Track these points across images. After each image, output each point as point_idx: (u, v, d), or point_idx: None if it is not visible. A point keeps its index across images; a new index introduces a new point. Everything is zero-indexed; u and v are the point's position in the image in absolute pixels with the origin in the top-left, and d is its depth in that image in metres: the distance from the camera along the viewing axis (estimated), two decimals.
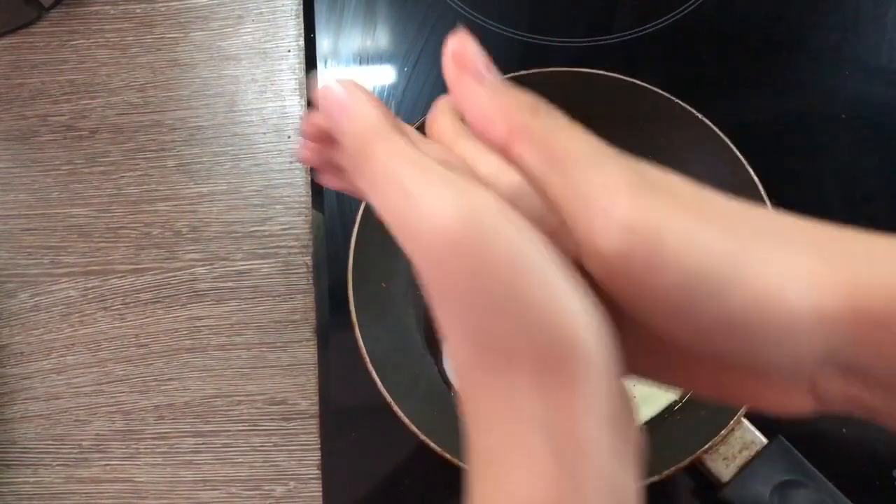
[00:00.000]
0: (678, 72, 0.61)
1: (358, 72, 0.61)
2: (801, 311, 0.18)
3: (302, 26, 0.63)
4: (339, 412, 0.54)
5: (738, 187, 0.48)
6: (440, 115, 0.27)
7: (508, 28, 0.61)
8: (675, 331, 0.20)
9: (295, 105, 0.62)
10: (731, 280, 0.19)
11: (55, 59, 0.64)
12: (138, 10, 0.65)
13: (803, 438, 0.48)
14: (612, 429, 0.20)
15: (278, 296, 0.57)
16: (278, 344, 0.56)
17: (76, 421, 0.56)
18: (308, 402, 0.55)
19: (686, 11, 0.61)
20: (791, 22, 0.62)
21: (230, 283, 0.58)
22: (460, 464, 0.46)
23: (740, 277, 0.19)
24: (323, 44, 0.62)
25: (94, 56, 0.64)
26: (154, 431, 0.55)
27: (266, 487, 0.54)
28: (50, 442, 0.56)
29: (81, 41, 0.64)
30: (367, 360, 0.48)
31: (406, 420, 0.47)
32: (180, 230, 0.59)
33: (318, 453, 0.54)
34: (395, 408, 0.47)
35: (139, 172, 0.60)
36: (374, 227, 0.52)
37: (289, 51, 0.63)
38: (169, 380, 0.56)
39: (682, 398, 0.51)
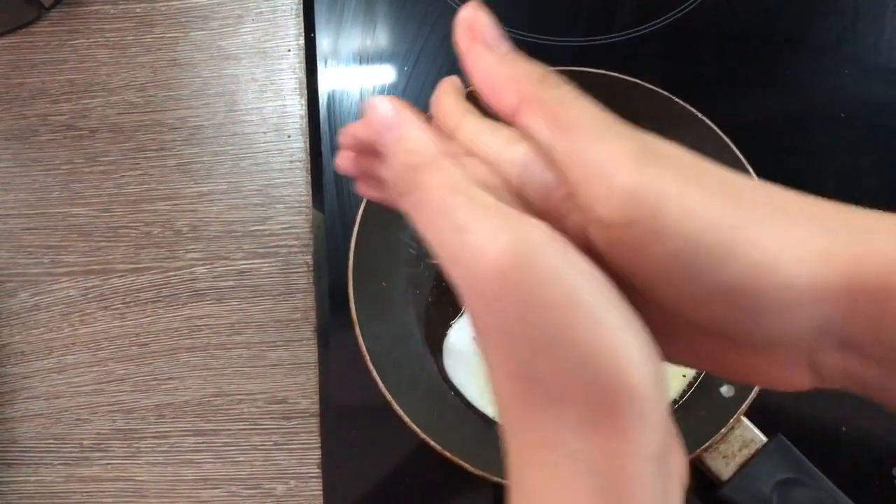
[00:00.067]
0: (678, 71, 0.61)
1: (358, 71, 0.61)
2: (799, 282, 0.18)
3: (302, 26, 0.63)
4: (339, 411, 0.54)
5: None
6: (444, 95, 0.27)
7: (508, 27, 0.61)
8: (674, 299, 0.20)
9: (295, 104, 0.62)
10: (730, 249, 0.19)
11: (55, 58, 0.64)
12: (138, 10, 0.65)
13: (803, 437, 0.48)
14: (659, 471, 0.20)
15: (278, 295, 0.57)
16: (279, 343, 0.56)
17: (77, 420, 0.56)
18: (308, 400, 0.55)
19: (686, 11, 0.62)
20: (791, 21, 0.62)
21: (230, 283, 0.58)
22: (460, 462, 0.46)
23: (739, 247, 0.19)
24: (323, 43, 0.62)
25: (95, 55, 0.64)
26: (155, 430, 0.55)
27: (266, 486, 0.54)
28: (51, 441, 0.56)
29: (81, 41, 0.64)
30: (368, 358, 0.48)
31: (406, 418, 0.47)
32: (180, 229, 0.59)
33: (319, 452, 0.54)
34: (396, 406, 0.47)
35: (139, 172, 0.61)
36: (375, 227, 0.52)
37: (289, 50, 0.63)
38: (169, 379, 0.56)
39: (682, 397, 0.51)
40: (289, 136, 0.61)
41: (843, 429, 0.51)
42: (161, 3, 0.65)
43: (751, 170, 0.49)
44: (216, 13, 0.64)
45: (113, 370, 0.57)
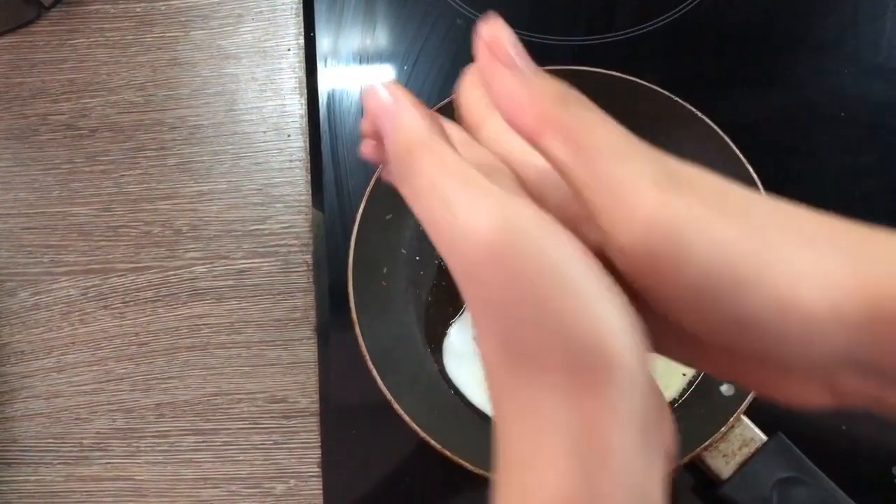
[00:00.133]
0: (678, 70, 0.61)
1: (358, 71, 0.61)
2: (821, 312, 0.18)
3: (302, 25, 0.63)
4: (339, 410, 0.54)
5: None
6: (469, 89, 0.27)
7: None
8: (693, 325, 0.20)
9: (295, 104, 0.62)
10: (752, 280, 0.19)
11: (55, 58, 0.64)
12: (138, 9, 0.65)
13: (803, 436, 0.48)
14: (640, 437, 0.20)
15: (278, 294, 0.57)
16: (278, 342, 0.56)
17: (77, 419, 0.56)
18: (308, 399, 0.55)
19: (685, 10, 0.62)
20: (790, 21, 0.62)
21: (230, 282, 0.58)
22: (460, 461, 0.46)
23: (761, 278, 0.19)
24: (323, 42, 0.62)
25: (94, 55, 0.64)
26: (154, 430, 0.55)
27: (266, 485, 0.54)
28: (50, 440, 0.56)
29: (81, 40, 0.64)
30: (368, 357, 0.48)
31: (406, 417, 0.47)
32: (180, 229, 0.59)
33: (319, 451, 0.54)
34: (396, 405, 0.47)
35: (139, 171, 0.61)
36: (375, 226, 0.52)
37: (289, 49, 0.63)
38: (169, 378, 0.56)
39: (681, 395, 0.51)
40: (289, 136, 0.61)
41: (843, 427, 0.51)
42: (161, 3, 0.65)
43: (751, 169, 0.49)
44: (216, 12, 0.64)
45: (113, 369, 0.57)
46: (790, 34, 0.61)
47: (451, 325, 0.54)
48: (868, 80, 0.59)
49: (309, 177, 0.59)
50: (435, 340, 0.54)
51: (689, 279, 0.19)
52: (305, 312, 0.57)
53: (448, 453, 0.46)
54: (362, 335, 0.49)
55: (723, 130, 0.50)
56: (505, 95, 0.22)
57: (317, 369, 0.55)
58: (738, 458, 0.47)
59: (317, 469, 0.54)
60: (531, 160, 0.24)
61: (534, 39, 0.61)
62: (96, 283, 0.58)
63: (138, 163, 0.61)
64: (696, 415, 0.49)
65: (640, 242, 0.19)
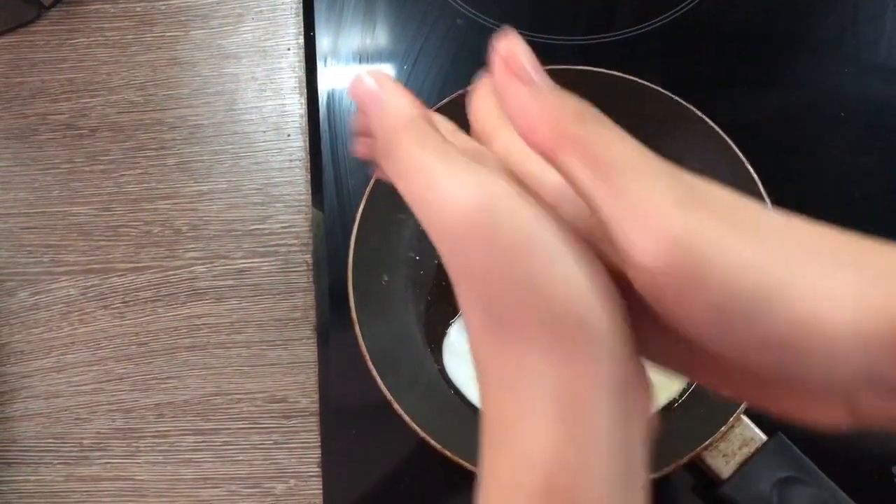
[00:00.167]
0: (678, 70, 0.61)
1: (358, 70, 0.61)
2: (844, 332, 0.18)
3: (302, 24, 0.63)
4: (339, 410, 0.54)
5: (738, 185, 0.48)
6: (481, 100, 0.28)
7: (508, 26, 0.61)
8: (714, 344, 0.20)
9: (295, 103, 0.62)
10: (775, 299, 0.19)
11: (55, 57, 0.64)
12: (138, 9, 0.65)
13: (803, 435, 0.48)
14: (620, 400, 0.21)
15: (278, 294, 0.57)
16: (278, 342, 0.56)
17: (76, 419, 0.56)
18: (308, 399, 0.55)
19: (685, 9, 0.62)
20: (790, 20, 0.62)
21: (230, 282, 0.58)
22: (460, 461, 0.46)
23: (784, 299, 0.19)
24: (323, 42, 0.62)
25: (94, 54, 0.64)
26: (154, 429, 0.55)
27: (266, 485, 0.54)
28: (50, 440, 0.56)
29: (81, 39, 0.64)
30: (367, 357, 0.48)
31: (406, 417, 0.47)
32: (180, 228, 0.59)
33: (319, 451, 0.54)
34: (396, 405, 0.47)
35: (139, 171, 0.61)
36: (374, 226, 0.52)
37: (289, 49, 0.63)
38: (169, 378, 0.56)
39: (681, 395, 0.51)
40: (288, 135, 0.61)
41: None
42: (161, 2, 0.65)
43: (751, 170, 0.49)
44: (216, 12, 0.64)
45: (112, 369, 0.57)
46: (790, 34, 0.61)
47: (451, 324, 0.54)
48: (868, 80, 0.59)
49: (309, 176, 0.59)
50: (435, 340, 0.54)
51: (711, 298, 0.19)
52: (305, 312, 0.57)
53: (448, 453, 0.46)
54: (362, 335, 0.49)
55: (723, 130, 0.50)
56: (521, 111, 0.22)
57: (317, 369, 0.55)
58: (738, 458, 0.47)
59: (317, 469, 0.54)
60: (545, 175, 0.24)
61: (534, 39, 0.61)
62: (96, 282, 0.58)
63: (138, 162, 0.61)
64: (696, 414, 0.49)
65: (661, 261, 0.19)
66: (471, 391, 0.52)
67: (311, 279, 0.57)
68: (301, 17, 0.63)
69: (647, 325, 0.22)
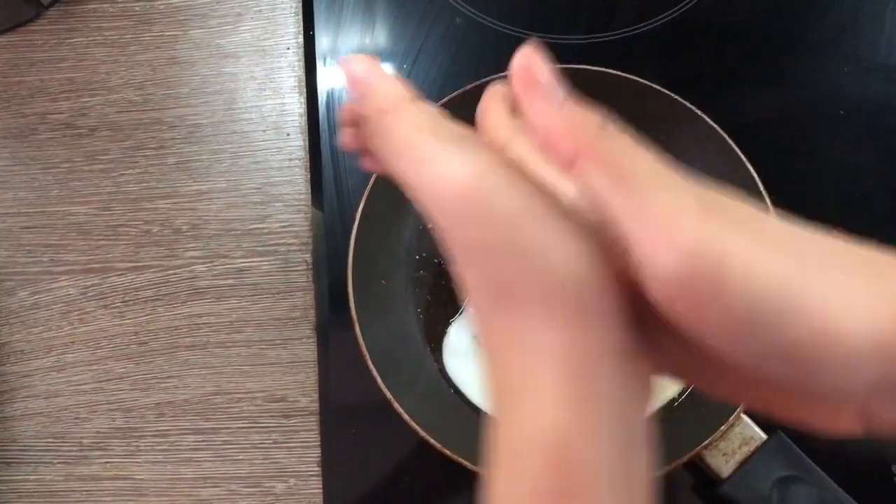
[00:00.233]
0: (677, 69, 0.61)
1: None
2: (861, 341, 0.18)
3: (301, 24, 0.63)
4: (339, 409, 0.54)
5: (738, 184, 0.48)
6: (491, 106, 0.28)
7: (507, 25, 0.61)
8: (728, 354, 0.20)
9: (294, 102, 0.62)
10: (793, 311, 0.19)
11: (54, 56, 0.64)
12: (137, 8, 0.64)
13: (803, 434, 0.48)
14: (617, 362, 0.21)
15: (278, 293, 0.57)
16: (278, 341, 0.56)
17: (76, 419, 0.56)
18: (308, 399, 0.55)
19: (684, 9, 0.62)
20: (789, 19, 0.62)
21: (230, 281, 0.58)
22: (460, 460, 0.46)
23: (801, 308, 0.19)
24: (322, 41, 0.62)
25: (93, 54, 0.64)
26: (154, 429, 0.55)
27: (266, 484, 0.54)
28: (50, 440, 0.56)
29: (80, 39, 0.64)
30: (367, 357, 0.48)
31: (406, 417, 0.47)
32: (180, 228, 0.59)
33: (319, 450, 0.54)
34: (395, 405, 0.47)
35: (138, 170, 0.60)
36: (374, 225, 0.52)
37: (288, 48, 0.63)
38: (169, 377, 0.56)
39: (681, 394, 0.51)
40: (288, 135, 0.61)
41: None
42: (159, 2, 0.65)
43: (751, 169, 0.49)
44: (215, 11, 0.64)
45: (112, 369, 0.57)
46: (790, 33, 0.61)
47: (450, 324, 0.54)
48: (868, 79, 0.59)
49: (308, 176, 0.59)
50: (435, 339, 0.54)
51: (730, 308, 0.19)
52: (305, 311, 0.57)
53: (448, 452, 0.46)
54: (362, 334, 0.49)
55: (722, 128, 0.50)
56: (541, 123, 0.23)
57: (316, 368, 0.55)
58: (738, 457, 0.47)
59: (316, 468, 0.54)
60: (559, 186, 0.24)
61: (533, 38, 0.61)
62: (96, 282, 0.58)
63: (137, 162, 0.61)
64: (696, 413, 0.49)
65: (681, 271, 0.19)
66: (471, 390, 0.52)
67: (310, 278, 0.57)
68: (300, 17, 0.63)
69: (659, 337, 0.22)
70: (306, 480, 0.54)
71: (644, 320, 0.22)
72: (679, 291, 0.20)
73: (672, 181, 0.21)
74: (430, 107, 0.25)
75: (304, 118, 0.61)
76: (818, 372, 0.19)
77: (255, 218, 0.59)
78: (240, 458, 0.55)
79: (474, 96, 0.31)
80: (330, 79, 0.61)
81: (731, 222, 0.20)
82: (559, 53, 0.60)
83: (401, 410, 0.47)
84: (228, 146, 0.61)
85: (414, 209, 0.57)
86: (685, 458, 0.46)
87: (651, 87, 0.51)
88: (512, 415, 0.22)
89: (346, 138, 0.30)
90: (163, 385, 0.56)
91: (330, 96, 0.60)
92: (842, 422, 0.21)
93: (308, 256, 0.58)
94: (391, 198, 0.53)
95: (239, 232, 0.59)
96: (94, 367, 0.57)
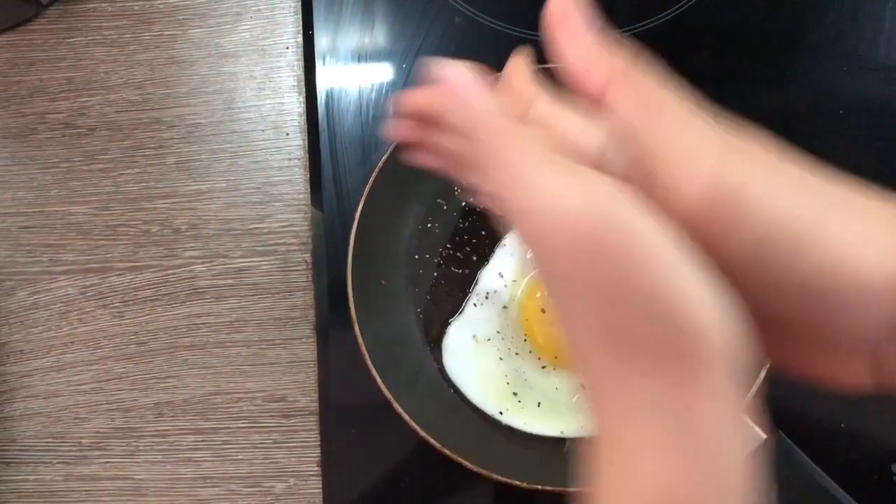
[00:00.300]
0: (676, 68, 0.61)
1: (356, 69, 0.61)
2: (875, 279, 0.19)
3: (300, 23, 0.63)
4: (338, 409, 0.54)
5: None
6: (516, 71, 0.28)
7: (507, 24, 0.61)
8: (748, 286, 0.20)
9: (293, 102, 0.61)
10: (810, 240, 0.19)
11: (53, 56, 0.64)
12: (136, 8, 0.64)
13: (802, 434, 0.48)
14: (734, 420, 0.20)
15: (277, 293, 0.57)
16: (278, 341, 0.56)
17: (76, 419, 0.56)
18: (308, 398, 0.55)
19: (683, 8, 0.61)
20: (789, 18, 0.61)
21: (229, 281, 0.58)
22: (460, 460, 0.46)
23: (818, 238, 0.19)
24: (321, 41, 0.62)
25: (92, 53, 0.63)
26: (154, 429, 0.55)
27: (266, 484, 0.54)
28: (49, 440, 0.56)
29: (79, 38, 0.64)
30: (367, 357, 0.48)
31: (406, 417, 0.47)
32: (179, 228, 0.59)
33: (318, 450, 0.54)
34: (395, 405, 0.47)
35: (138, 170, 0.60)
36: (373, 225, 0.52)
37: (287, 48, 0.63)
38: (168, 377, 0.56)
39: None
40: (287, 134, 0.61)
41: (843, 426, 0.51)
42: (159, 1, 0.64)
43: None
44: (214, 10, 0.64)
45: (112, 369, 0.57)
46: (789, 32, 0.61)
47: (450, 323, 0.54)
48: (867, 79, 0.59)
49: (308, 175, 0.59)
50: (434, 339, 0.54)
51: (750, 235, 0.19)
52: (304, 311, 0.57)
53: (447, 452, 0.46)
54: (361, 334, 0.49)
55: None
56: (574, 57, 0.23)
57: (316, 368, 0.55)
58: None
59: (316, 468, 0.54)
60: (587, 138, 0.24)
61: (532, 37, 0.61)
62: (95, 282, 0.58)
63: (137, 161, 0.61)
64: None
65: (705, 198, 0.20)
66: (470, 390, 0.52)
67: (310, 278, 0.57)
68: (300, 16, 0.63)
69: None
70: (306, 480, 0.54)
71: None
72: (700, 217, 0.20)
73: (698, 116, 0.21)
74: (535, 129, 0.23)
75: (304, 118, 0.60)
76: (832, 308, 0.19)
77: (255, 218, 0.59)
78: (239, 457, 0.55)
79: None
80: (329, 78, 0.61)
81: (752, 158, 0.20)
82: None
83: (400, 410, 0.47)
84: (228, 146, 0.61)
85: (414, 209, 0.57)
86: None
87: None
88: (623, 466, 0.21)
89: (399, 130, 0.29)
90: (162, 385, 0.56)
91: (329, 96, 0.60)
92: (854, 375, 0.21)
93: (307, 256, 0.58)
94: (391, 197, 0.53)
95: (238, 232, 0.59)
96: (94, 367, 0.57)
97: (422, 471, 0.52)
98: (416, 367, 0.52)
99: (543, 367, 0.52)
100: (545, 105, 0.25)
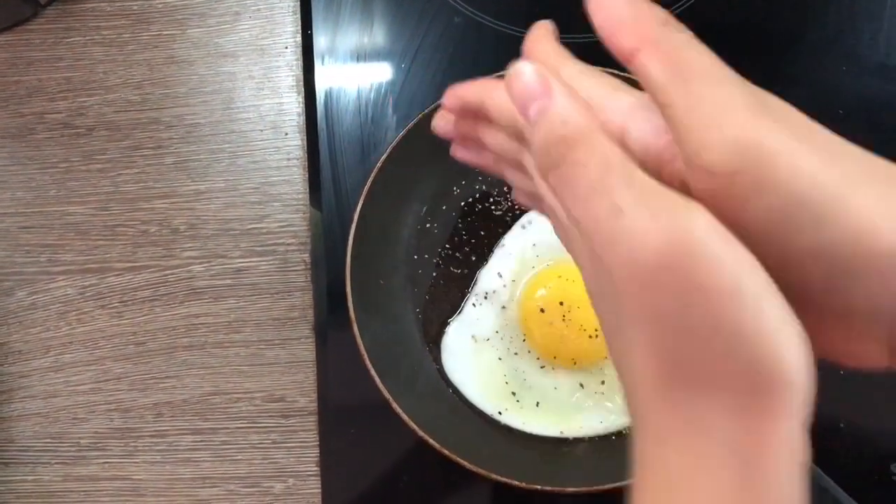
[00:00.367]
0: None
1: (355, 69, 0.61)
2: (892, 252, 0.19)
3: (299, 23, 0.63)
4: (337, 409, 0.54)
5: None
6: (539, 41, 0.27)
7: (506, 24, 0.61)
8: (770, 256, 0.20)
9: (292, 102, 0.61)
10: (832, 210, 0.19)
11: (52, 56, 0.63)
12: (135, 7, 0.64)
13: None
14: (798, 457, 0.20)
15: (276, 293, 0.57)
16: (276, 341, 0.56)
17: (74, 419, 0.56)
18: (307, 399, 0.55)
19: (683, 8, 0.61)
20: (787, 18, 0.61)
21: (228, 281, 0.58)
22: (459, 460, 0.46)
23: (841, 209, 0.19)
24: (320, 40, 0.62)
25: (91, 53, 0.63)
26: (152, 429, 0.55)
27: (265, 484, 0.54)
28: (48, 440, 0.56)
29: (78, 38, 0.64)
30: (366, 357, 0.48)
31: (405, 417, 0.47)
32: (178, 228, 0.59)
33: (317, 450, 0.54)
34: (394, 405, 0.47)
35: (136, 170, 0.60)
36: (372, 225, 0.52)
37: (286, 47, 0.63)
38: (167, 377, 0.56)
39: None
40: (286, 134, 0.61)
41: (842, 425, 0.51)
42: (157, 1, 0.64)
43: None
44: (213, 10, 0.64)
45: (110, 369, 0.57)
46: (788, 32, 0.61)
47: (449, 323, 0.54)
48: (867, 78, 0.59)
49: (306, 175, 0.59)
50: (433, 339, 0.54)
51: (773, 201, 0.19)
52: (303, 311, 0.57)
53: (447, 452, 0.46)
54: (360, 334, 0.49)
55: None
56: (607, 15, 0.23)
57: (315, 368, 0.55)
58: None
59: (315, 468, 0.54)
60: (611, 103, 0.24)
61: None
62: (93, 282, 0.58)
63: (135, 161, 0.61)
64: None
65: (728, 161, 0.19)
66: (469, 390, 0.52)
67: (309, 278, 0.57)
68: (298, 16, 0.63)
69: None
70: (305, 480, 0.54)
71: None
72: (723, 183, 0.20)
73: (727, 78, 0.21)
74: (616, 147, 0.22)
75: (303, 117, 0.60)
76: (852, 280, 0.19)
77: (254, 218, 0.59)
78: (238, 458, 0.54)
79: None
80: (328, 78, 0.61)
81: (780, 123, 0.20)
82: None
83: (399, 410, 0.47)
84: (226, 146, 0.61)
85: (413, 209, 0.57)
86: None
87: None
88: (675, 497, 0.21)
89: (444, 124, 0.29)
90: (161, 385, 0.56)
91: (328, 95, 0.60)
92: (871, 354, 0.21)
93: (306, 256, 0.58)
94: (390, 197, 0.53)
95: (237, 232, 0.58)
96: (92, 368, 0.57)
97: (421, 471, 0.52)
98: (415, 367, 0.52)
99: (542, 367, 0.52)
100: (570, 74, 0.25)
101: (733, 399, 0.19)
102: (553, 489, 0.46)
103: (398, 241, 0.55)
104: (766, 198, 0.19)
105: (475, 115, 0.28)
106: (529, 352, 0.52)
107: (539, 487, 0.45)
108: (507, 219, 0.55)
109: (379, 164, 0.51)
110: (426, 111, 0.52)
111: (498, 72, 0.30)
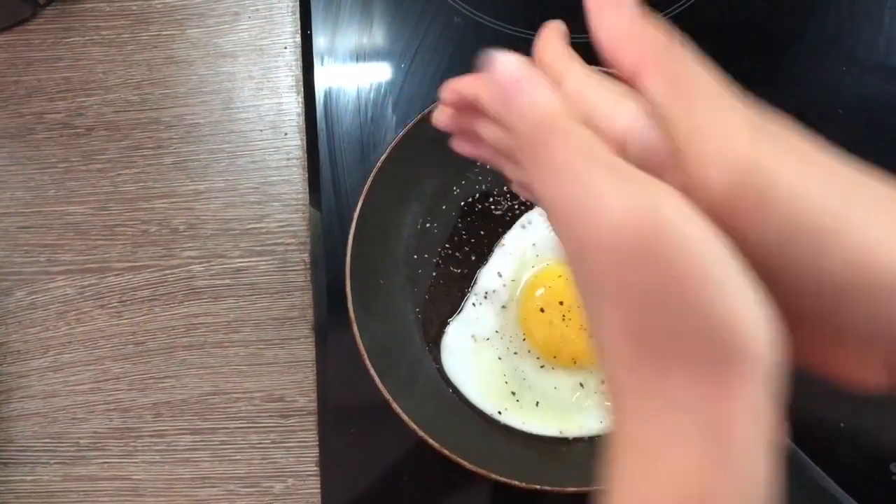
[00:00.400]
0: None
1: (354, 69, 0.61)
2: (892, 276, 0.19)
3: (298, 23, 0.63)
4: (337, 409, 0.54)
5: None
6: (550, 42, 0.27)
7: (506, 24, 0.61)
8: (767, 279, 0.20)
9: (292, 102, 0.61)
10: (832, 237, 0.19)
11: (51, 56, 0.63)
12: (134, 7, 0.64)
13: (801, 433, 0.48)
14: (765, 432, 0.20)
15: (276, 293, 0.57)
16: (276, 341, 0.56)
17: (73, 419, 0.56)
18: (306, 398, 0.55)
19: (683, 8, 0.61)
20: (787, 17, 0.61)
21: (227, 281, 0.58)
22: (459, 460, 0.46)
23: (841, 236, 0.19)
24: (319, 41, 0.62)
25: (90, 53, 0.63)
26: (152, 429, 0.55)
27: (264, 484, 0.54)
28: (47, 440, 0.56)
29: (77, 38, 0.64)
30: (365, 357, 0.48)
31: (404, 417, 0.47)
32: (177, 227, 0.59)
33: (317, 450, 0.54)
34: (394, 405, 0.47)
35: (136, 170, 0.60)
36: (372, 225, 0.52)
37: (285, 47, 0.63)
38: (166, 377, 0.56)
39: None
40: (285, 134, 0.61)
41: (842, 425, 0.51)
42: (157, 1, 0.64)
43: None
44: (212, 10, 0.64)
45: (109, 369, 0.56)
46: (788, 32, 0.61)
47: (449, 323, 0.54)
48: (866, 78, 0.59)
49: (306, 175, 0.59)
50: (433, 339, 0.53)
51: (773, 224, 0.19)
52: (303, 311, 0.57)
53: (446, 452, 0.46)
54: (360, 334, 0.48)
55: None
56: (613, 33, 0.23)
57: (314, 368, 0.55)
58: None
59: (315, 468, 0.54)
60: (617, 111, 0.24)
61: (531, 38, 0.60)
62: (93, 282, 0.58)
63: (135, 161, 0.61)
64: None
65: (731, 183, 0.20)
66: (469, 389, 0.52)
67: (308, 278, 0.57)
68: (298, 16, 0.63)
69: None
70: (304, 480, 0.54)
71: None
72: (724, 203, 0.20)
73: (730, 101, 0.21)
74: (589, 131, 0.22)
75: (302, 117, 0.60)
76: (850, 305, 0.19)
77: (253, 217, 0.59)
78: (238, 458, 0.54)
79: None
80: (327, 78, 0.61)
81: (782, 146, 0.20)
82: None
83: (399, 410, 0.47)
84: (226, 146, 0.61)
85: (413, 208, 0.57)
86: None
87: None
88: (641, 471, 0.21)
89: (443, 118, 0.29)
90: (160, 385, 0.56)
91: (327, 95, 0.60)
92: (869, 373, 0.21)
93: (306, 256, 0.58)
94: (389, 197, 0.53)
95: (236, 232, 0.58)
96: (92, 368, 0.57)
97: (420, 470, 0.52)
98: (414, 367, 0.52)
99: (542, 367, 0.52)
100: (577, 78, 0.25)
101: (698, 371, 0.20)
102: (553, 489, 0.45)
103: (398, 240, 0.55)
104: (766, 220, 0.20)
105: (472, 108, 0.28)
106: (529, 351, 0.52)
107: (539, 487, 0.45)
108: (507, 218, 0.55)
109: (378, 164, 0.51)
110: (426, 111, 0.52)
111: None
